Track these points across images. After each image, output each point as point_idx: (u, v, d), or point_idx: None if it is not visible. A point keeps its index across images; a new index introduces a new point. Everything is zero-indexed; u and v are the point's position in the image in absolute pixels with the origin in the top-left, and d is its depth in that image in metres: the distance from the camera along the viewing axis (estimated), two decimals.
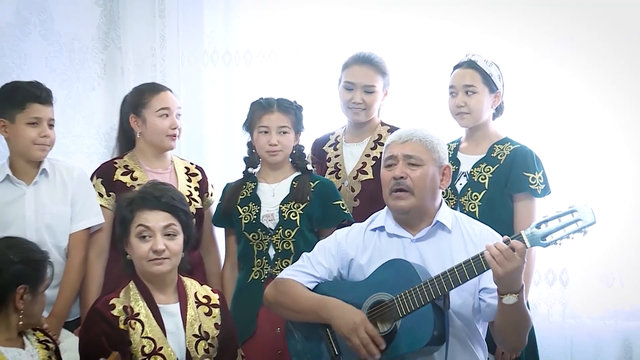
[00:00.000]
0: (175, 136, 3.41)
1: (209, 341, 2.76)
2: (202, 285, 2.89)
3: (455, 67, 3.39)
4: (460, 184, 3.33)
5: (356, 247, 2.87)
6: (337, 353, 2.74)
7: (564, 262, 3.85)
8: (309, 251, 2.96)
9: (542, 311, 3.85)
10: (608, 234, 3.77)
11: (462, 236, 2.80)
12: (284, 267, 3.16)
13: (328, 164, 3.58)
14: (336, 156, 3.57)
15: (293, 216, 3.30)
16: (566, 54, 3.84)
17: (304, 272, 2.88)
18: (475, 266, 2.57)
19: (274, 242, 3.29)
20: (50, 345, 2.67)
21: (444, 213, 2.84)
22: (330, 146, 3.62)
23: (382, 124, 3.57)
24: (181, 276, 2.83)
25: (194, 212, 3.40)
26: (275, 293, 2.89)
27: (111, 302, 2.71)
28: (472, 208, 3.27)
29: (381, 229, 2.87)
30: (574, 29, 3.82)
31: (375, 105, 3.51)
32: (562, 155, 3.84)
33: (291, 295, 2.83)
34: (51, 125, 3.18)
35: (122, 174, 3.39)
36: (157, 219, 2.72)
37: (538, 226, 2.53)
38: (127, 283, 2.77)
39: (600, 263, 3.83)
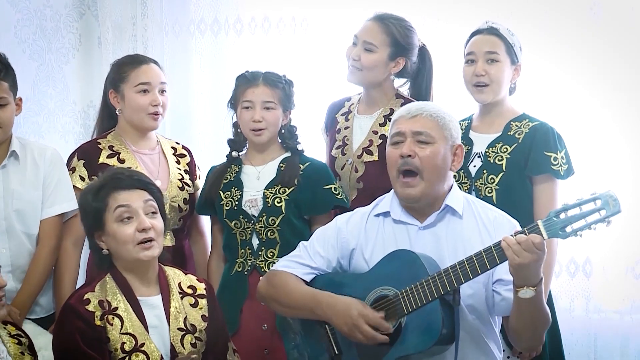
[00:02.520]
0: (157, 114, 3.33)
1: (196, 335, 2.71)
2: (186, 274, 2.84)
3: (474, 34, 3.30)
4: (475, 166, 3.25)
5: (358, 235, 2.80)
6: (337, 352, 2.69)
7: (587, 252, 3.79)
8: (296, 240, 2.92)
9: (564, 305, 3.77)
10: (636, 220, 3.73)
11: (475, 222, 2.74)
12: (269, 258, 3.17)
13: (337, 135, 3.45)
14: (346, 128, 3.44)
15: (278, 202, 3.21)
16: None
17: (300, 262, 2.82)
18: (487, 259, 2.51)
19: (257, 230, 3.21)
20: (23, 340, 2.63)
21: (454, 196, 2.76)
22: (342, 115, 3.49)
23: (398, 96, 3.41)
24: (162, 265, 2.78)
25: (187, 197, 3.39)
26: (268, 286, 2.84)
27: (85, 296, 2.65)
28: (488, 192, 3.19)
29: (386, 214, 2.79)
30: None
31: (375, 69, 3.32)
32: (586, 136, 3.78)
33: (284, 289, 2.78)
34: (1, 105, 3.05)
35: (107, 156, 3.32)
36: (134, 197, 2.69)
37: (557, 215, 2.46)
38: (103, 276, 2.72)
39: (627, 252, 3.76)
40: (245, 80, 3.28)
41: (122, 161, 3.31)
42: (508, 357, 3.15)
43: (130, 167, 3.25)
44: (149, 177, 2.83)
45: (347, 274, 2.80)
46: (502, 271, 2.61)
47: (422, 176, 2.69)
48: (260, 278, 2.94)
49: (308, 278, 2.80)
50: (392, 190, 2.80)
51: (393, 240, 2.74)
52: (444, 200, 2.74)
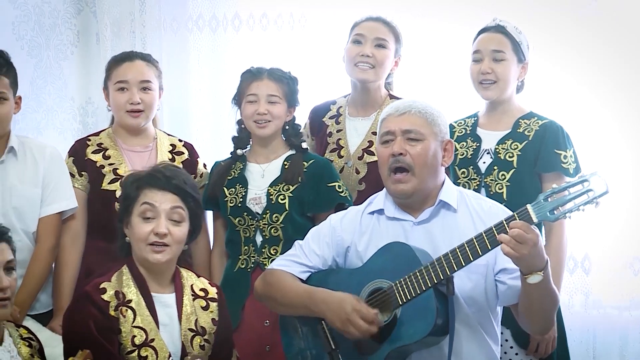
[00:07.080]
0: (136, 112, 3.35)
1: (205, 337, 2.75)
2: (199, 277, 2.88)
3: (481, 32, 3.35)
4: (484, 163, 3.30)
5: (352, 233, 2.84)
6: (333, 347, 2.72)
7: (586, 248, 3.83)
8: (299, 237, 2.94)
9: (563, 301, 3.69)
10: (634, 216, 3.78)
11: (469, 214, 2.77)
12: (272, 255, 3.20)
13: (329, 139, 3.52)
14: (338, 131, 3.51)
15: (282, 199, 3.26)
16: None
17: (296, 261, 2.86)
18: (479, 245, 2.53)
19: (261, 227, 3.27)
20: (34, 343, 2.68)
21: (447, 191, 2.80)
22: (331, 118, 3.56)
23: (391, 96, 3.49)
24: (178, 267, 2.82)
25: None
26: (264, 285, 2.88)
27: (102, 285, 2.69)
28: (499, 189, 3.24)
29: (380, 212, 2.83)
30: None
31: (385, 64, 3.43)
32: (585, 135, 3.79)
33: (280, 287, 2.82)
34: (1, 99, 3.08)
35: (92, 152, 3.38)
36: (163, 200, 2.72)
37: (545, 198, 2.49)
38: (120, 267, 2.76)
39: (626, 249, 3.81)
40: (250, 75, 3.34)
41: (107, 157, 3.38)
42: (516, 354, 3.23)
43: (122, 164, 3.34)
44: (193, 186, 2.83)
45: (341, 269, 2.85)
46: (505, 260, 2.61)
47: (413, 173, 2.73)
48: (254, 276, 2.99)
49: (304, 276, 2.85)
50: (385, 188, 2.85)
51: (388, 236, 2.77)
52: (438, 196, 2.78)
